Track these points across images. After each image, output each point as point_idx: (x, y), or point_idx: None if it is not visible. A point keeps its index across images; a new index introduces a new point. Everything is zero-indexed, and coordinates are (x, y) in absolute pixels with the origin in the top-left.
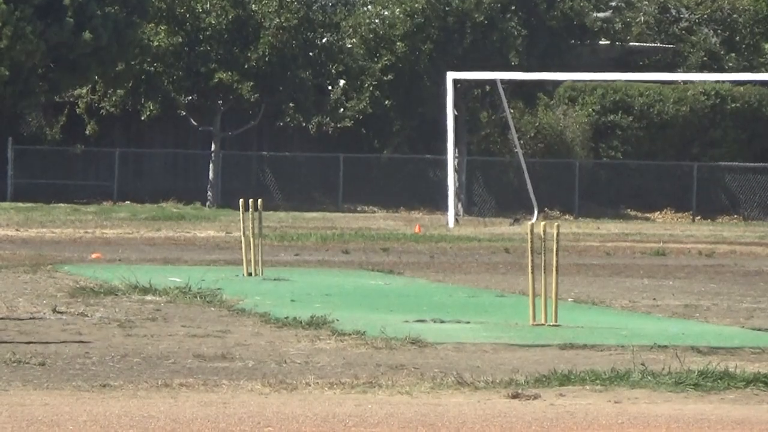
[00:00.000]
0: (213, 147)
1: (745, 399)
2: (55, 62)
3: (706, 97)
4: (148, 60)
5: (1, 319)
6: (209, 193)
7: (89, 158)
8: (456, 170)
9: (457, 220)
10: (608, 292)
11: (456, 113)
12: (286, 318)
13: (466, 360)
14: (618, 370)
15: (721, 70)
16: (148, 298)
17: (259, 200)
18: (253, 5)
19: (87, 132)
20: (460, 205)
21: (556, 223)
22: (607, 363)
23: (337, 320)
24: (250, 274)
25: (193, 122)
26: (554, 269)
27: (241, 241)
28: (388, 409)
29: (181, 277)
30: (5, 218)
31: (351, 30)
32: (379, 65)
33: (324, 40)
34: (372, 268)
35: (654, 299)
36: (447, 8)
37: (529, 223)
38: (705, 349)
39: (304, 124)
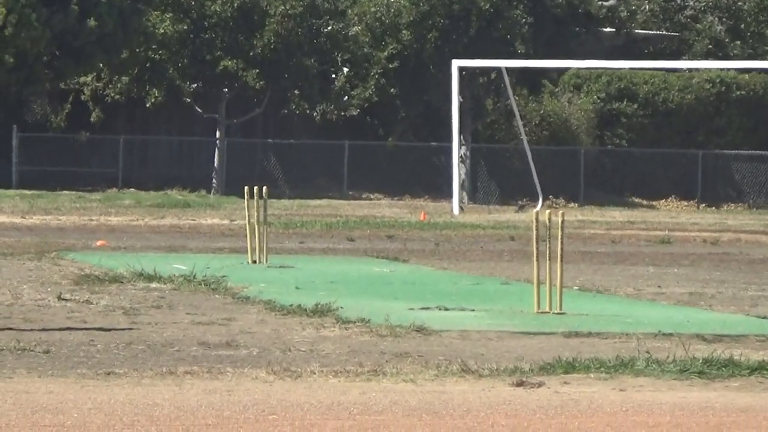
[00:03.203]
0: (218, 134)
1: (749, 387)
2: (60, 49)
3: (711, 84)
4: (153, 47)
5: (6, 306)
6: (214, 180)
7: (94, 145)
8: (461, 158)
9: (461, 208)
10: (613, 279)
11: (461, 101)
12: (291, 306)
13: (470, 348)
14: (623, 357)
15: (726, 57)
16: (153, 285)
17: (264, 188)
18: None
19: (92, 119)
20: (464, 193)
21: (561, 211)
22: (611, 351)
23: (342, 308)
24: (254, 262)
25: (198, 110)
26: (559, 257)
27: (245, 229)
28: (392, 397)
29: (186, 264)
30: (10, 205)
31: (356, 18)
32: (385, 53)
33: (329, 28)
34: (377, 255)
35: (659, 287)
36: None
37: (534, 210)
38: (710, 336)
39: (308, 112)
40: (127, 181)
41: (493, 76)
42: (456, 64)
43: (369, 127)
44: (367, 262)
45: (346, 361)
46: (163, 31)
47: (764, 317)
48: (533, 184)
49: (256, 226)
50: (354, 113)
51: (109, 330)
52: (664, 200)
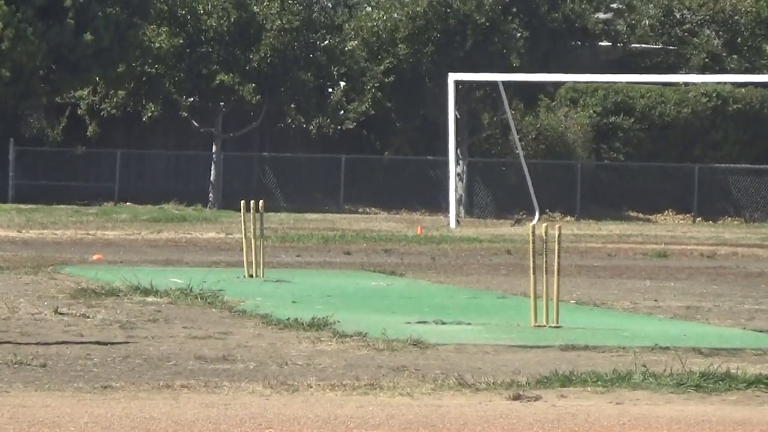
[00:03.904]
0: (214, 148)
1: (746, 400)
2: (57, 63)
3: (707, 98)
4: (150, 61)
5: (3, 320)
6: (210, 194)
7: (90, 159)
8: (457, 172)
9: (458, 222)
10: (610, 293)
11: (457, 115)
12: (288, 319)
13: (467, 361)
14: (619, 371)
15: (723, 71)
16: (150, 299)
17: (261, 201)
18: (255, 7)
19: (88, 133)
20: (461, 207)
21: (557, 225)
22: (608, 364)
23: (339, 322)
24: (251, 276)
25: (195, 124)
26: (556, 270)
27: (242, 243)
28: (389, 411)
29: (183, 278)
30: (7, 219)
31: (353, 32)
32: (381, 67)
33: (326, 42)
34: (373, 269)
35: (655, 301)
36: (448, 10)
37: (531, 224)
38: (706, 350)
39: (305, 126)
40: (124, 195)
41: (489, 90)
42: (452, 77)
43: (365, 141)
44: (363, 276)
45: (343, 374)
46: (159, 45)
47: (761, 331)
48: (530, 198)
49: (253, 240)
50: (350, 127)
51: (106, 344)
52: (660, 214)
